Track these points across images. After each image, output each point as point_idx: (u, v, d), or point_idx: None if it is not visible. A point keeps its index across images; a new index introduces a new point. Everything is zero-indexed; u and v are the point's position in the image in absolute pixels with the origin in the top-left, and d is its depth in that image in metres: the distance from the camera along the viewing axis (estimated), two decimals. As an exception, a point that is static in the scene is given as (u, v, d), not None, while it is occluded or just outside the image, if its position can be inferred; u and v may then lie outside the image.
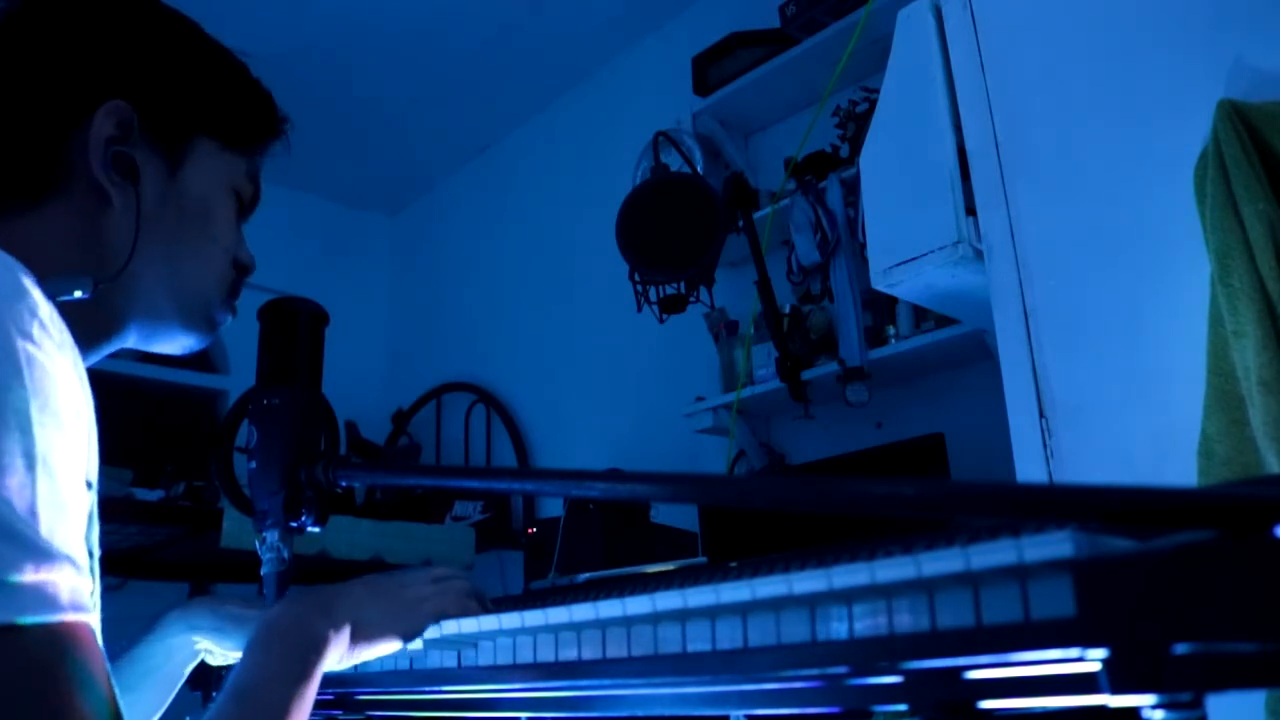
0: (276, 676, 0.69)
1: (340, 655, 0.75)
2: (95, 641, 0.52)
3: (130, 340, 0.78)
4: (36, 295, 0.55)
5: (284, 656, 0.70)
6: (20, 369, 0.51)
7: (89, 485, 0.56)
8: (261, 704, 0.66)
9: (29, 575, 0.48)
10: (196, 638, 0.88)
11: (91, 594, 0.53)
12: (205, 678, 0.92)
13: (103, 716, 0.50)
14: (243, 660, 0.70)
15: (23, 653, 0.48)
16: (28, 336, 0.53)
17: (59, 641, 0.49)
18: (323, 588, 0.78)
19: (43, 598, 0.49)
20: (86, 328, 0.70)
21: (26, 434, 0.50)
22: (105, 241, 0.72)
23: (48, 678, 0.48)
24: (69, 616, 0.50)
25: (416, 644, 0.77)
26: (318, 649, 0.72)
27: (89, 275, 0.70)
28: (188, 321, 0.79)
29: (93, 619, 0.52)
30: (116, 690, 0.52)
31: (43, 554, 0.49)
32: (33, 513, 0.50)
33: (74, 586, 0.51)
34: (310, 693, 0.69)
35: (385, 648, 0.78)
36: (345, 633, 0.75)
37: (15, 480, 0.49)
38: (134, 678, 0.85)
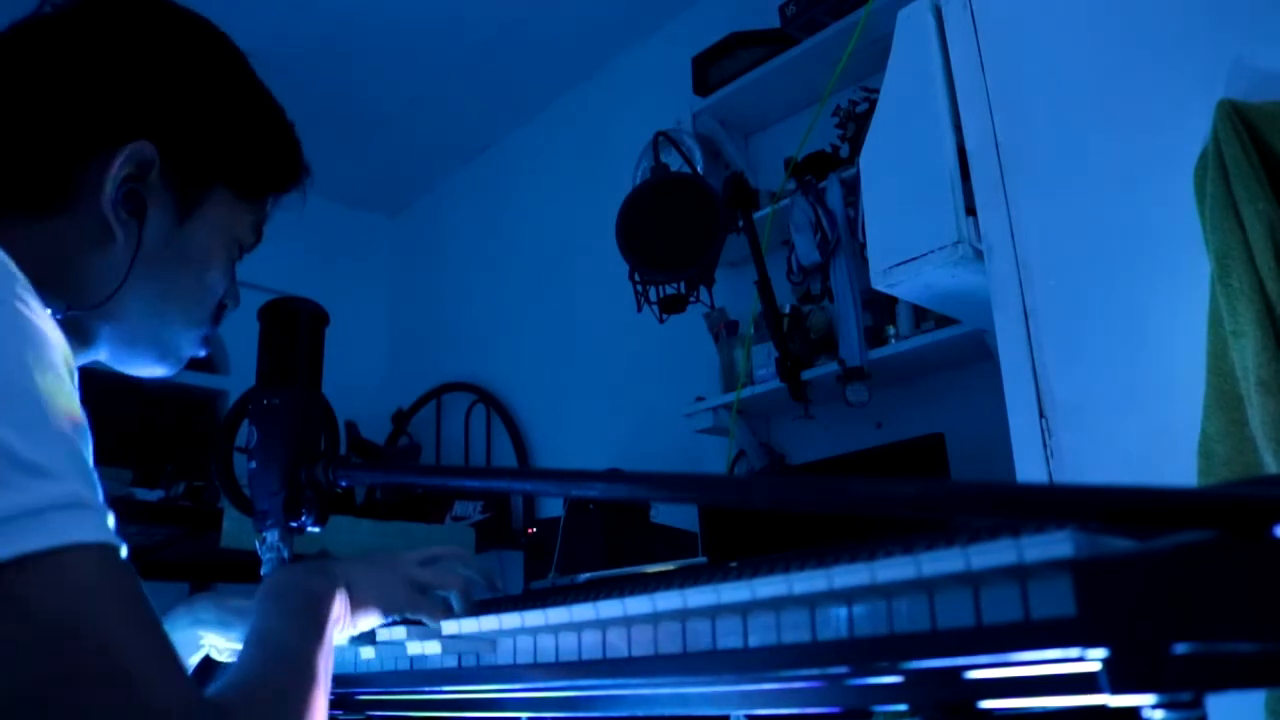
0: (291, 623, 0.69)
1: (341, 613, 0.75)
2: (129, 565, 0.53)
3: (101, 356, 0.78)
4: (13, 268, 0.57)
5: (293, 608, 0.71)
6: (14, 322, 0.53)
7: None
8: (283, 646, 0.67)
9: (60, 503, 0.50)
10: (201, 632, 0.88)
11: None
12: (206, 675, 0.91)
13: (156, 636, 0.52)
14: (255, 619, 0.70)
15: (73, 574, 0.49)
16: (16, 296, 0.55)
17: (104, 562, 0.51)
18: (314, 559, 0.80)
19: (80, 521, 0.50)
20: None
21: (28, 377, 0.52)
22: (96, 270, 0.72)
23: (99, 596, 0.50)
24: (103, 537, 0.52)
25: (417, 647, 0.77)
26: (323, 600, 0.72)
27: (65, 300, 0.70)
28: (160, 357, 0.80)
29: (122, 548, 0.53)
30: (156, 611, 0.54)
31: (66, 483, 0.51)
32: (49, 446, 0.51)
33: (101, 513, 0.52)
34: (327, 646, 0.69)
35: (373, 619, 0.79)
36: (344, 592, 0.76)
37: (27, 417, 0.51)
38: None
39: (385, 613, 0.79)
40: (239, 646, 0.86)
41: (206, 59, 0.78)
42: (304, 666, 0.65)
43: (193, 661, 0.89)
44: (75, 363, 0.76)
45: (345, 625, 0.76)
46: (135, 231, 0.72)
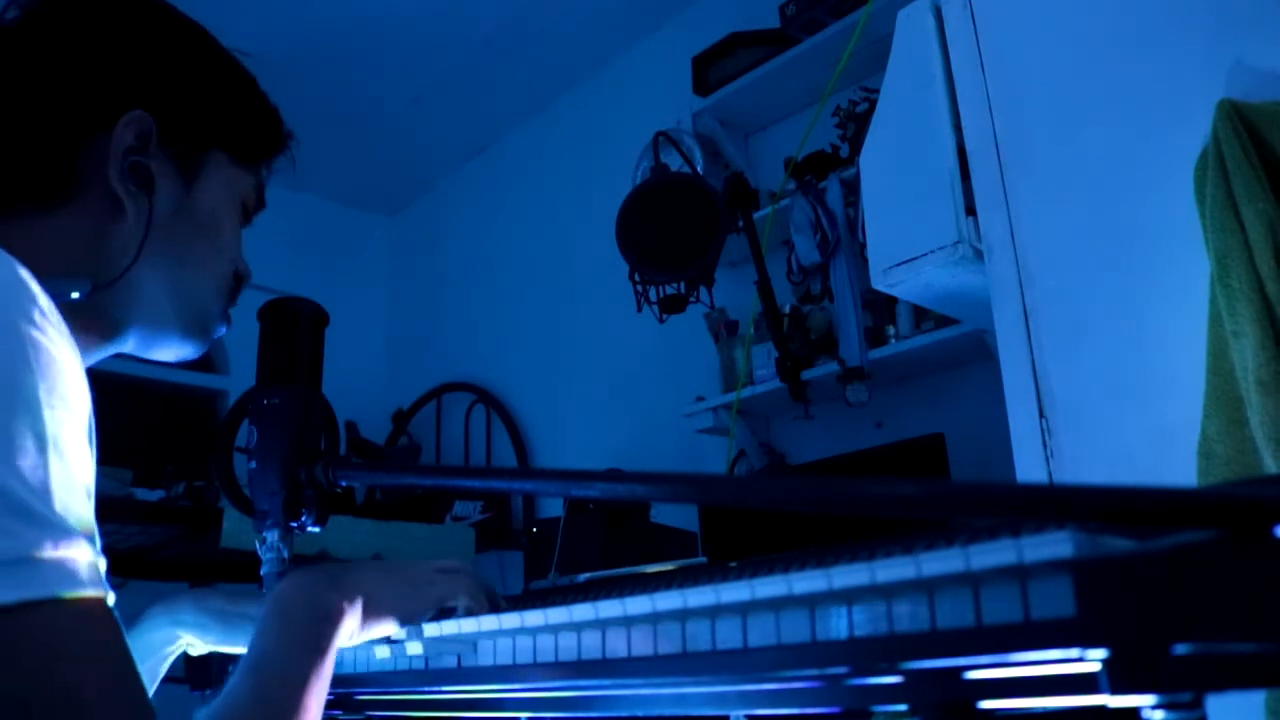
0: (291, 648, 0.68)
1: (352, 630, 0.74)
2: (114, 617, 0.53)
3: (128, 345, 0.79)
4: (35, 288, 0.56)
5: (297, 628, 0.69)
6: (27, 354, 0.53)
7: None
8: (277, 675, 0.65)
9: (49, 552, 0.49)
10: (180, 632, 0.88)
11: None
12: (204, 678, 0.91)
13: (124, 690, 0.51)
14: (256, 635, 0.69)
15: (46, 628, 0.49)
16: (32, 324, 0.54)
17: (81, 617, 0.50)
18: (330, 564, 0.78)
19: (64, 573, 0.50)
20: (86, 330, 0.71)
21: (36, 416, 0.51)
22: (112, 248, 0.73)
23: (69, 653, 0.49)
24: (89, 592, 0.51)
25: (416, 647, 0.77)
26: (331, 620, 0.71)
27: (87, 279, 0.70)
28: (186, 331, 0.80)
29: (109, 596, 0.53)
30: (138, 665, 0.53)
31: (60, 531, 0.50)
32: (46, 491, 0.50)
33: (92, 563, 0.52)
34: (327, 667, 0.68)
35: (388, 627, 0.77)
36: (358, 606, 0.74)
37: (28, 460, 0.50)
38: None
39: (402, 624, 0.77)
40: (216, 648, 0.87)
41: (178, 28, 0.80)
42: (299, 695, 0.64)
43: (169, 662, 0.89)
44: (104, 354, 0.77)
45: (355, 636, 0.75)
46: (145, 203, 0.73)
